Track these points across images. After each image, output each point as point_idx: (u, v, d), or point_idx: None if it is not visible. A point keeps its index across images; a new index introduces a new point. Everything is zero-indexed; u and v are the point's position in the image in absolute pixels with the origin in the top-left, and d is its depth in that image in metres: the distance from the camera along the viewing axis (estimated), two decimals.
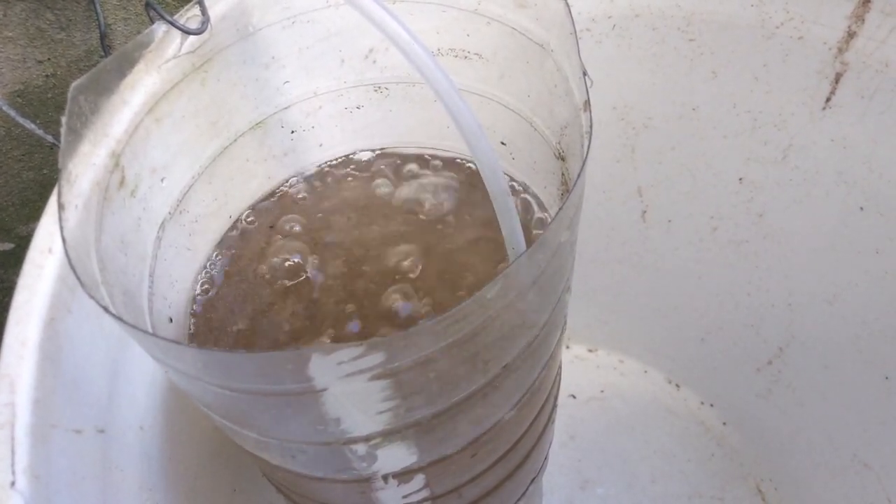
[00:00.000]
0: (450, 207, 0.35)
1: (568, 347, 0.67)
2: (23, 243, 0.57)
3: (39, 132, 0.33)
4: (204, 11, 0.29)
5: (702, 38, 0.43)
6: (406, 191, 0.37)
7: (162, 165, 0.30)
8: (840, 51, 0.41)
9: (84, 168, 0.25)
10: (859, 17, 0.39)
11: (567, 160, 0.30)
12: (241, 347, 0.31)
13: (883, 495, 0.48)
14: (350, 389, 0.21)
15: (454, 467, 0.29)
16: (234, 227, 0.35)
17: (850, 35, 0.40)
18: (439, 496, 0.31)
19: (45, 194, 0.55)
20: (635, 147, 0.50)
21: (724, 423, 0.63)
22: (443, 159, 0.37)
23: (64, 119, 0.24)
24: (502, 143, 0.35)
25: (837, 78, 0.42)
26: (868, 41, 0.40)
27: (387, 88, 0.36)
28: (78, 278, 0.21)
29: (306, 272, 0.34)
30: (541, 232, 0.34)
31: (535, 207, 0.35)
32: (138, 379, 0.33)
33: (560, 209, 0.22)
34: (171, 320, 0.31)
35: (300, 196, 0.37)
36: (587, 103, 0.25)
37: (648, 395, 0.65)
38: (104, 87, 0.27)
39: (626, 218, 0.56)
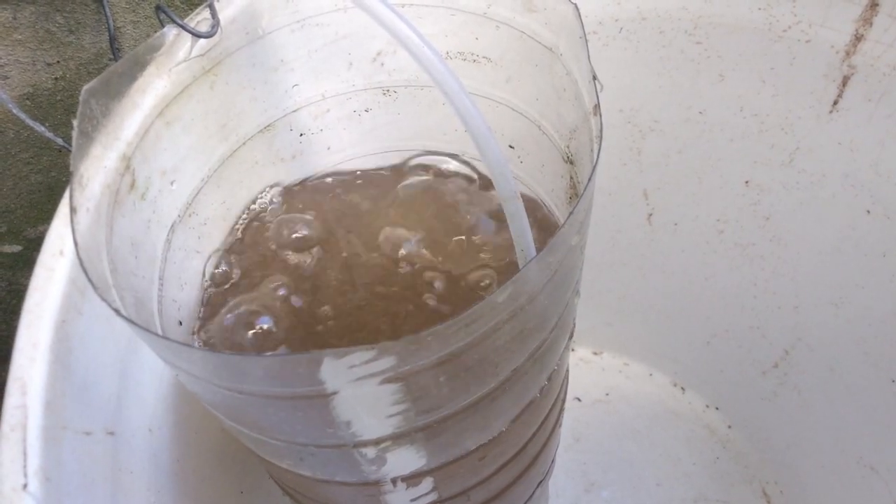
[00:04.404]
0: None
1: (573, 350, 0.67)
2: (31, 245, 0.57)
3: (49, 135, 0.33)
4: (214, 15, 0.29)
5: (709, 41, 0.43)
6: (412, 191, 0.37)
7: (172, 168, 0.30)
8: (847, 54, 0.41)
9: (95, 171, 0.25)
10: (867, 21, 0.39)
11: (576, 164, 0.30)
12: (248, 350, 0.32)
13: (889, 499, 0.48)
14: (361, 393, 0.21)
15: (463, 470, 0.29)
16: (240, 229, 0.35)
17: (858, 38, 0.40)
18: (447, 499, 0.31)
19: (54, 197, 0.55)
20: (642, 150, 0.50)
21: (730, 426, 0.63)
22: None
23: (75, 122, 0.24)
24: (511, 147, 0.35)
25: (845, 81, 0.42)
26: (875, 44, 0.39)
27: (395, 91, 0.36)
28: (90, 281, 0.21)
29: (312, 276, 0.34)
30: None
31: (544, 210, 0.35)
32: (147, 381, 0.33)
33: (571, 213, 0.22)
34: (180, 323, 0.31)
35: (306, 199, 0.37)
36: (597, 107, 0.25)
37: (654, 398, 0.65)
38: (115, 90, 0.27)
39: (632, 220, 0.56)
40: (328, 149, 0.37)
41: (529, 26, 0.30)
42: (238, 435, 0.27)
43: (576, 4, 0.27)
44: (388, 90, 0.36)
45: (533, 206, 0.35)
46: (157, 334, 0.20)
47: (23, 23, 0.44)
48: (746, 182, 0.49)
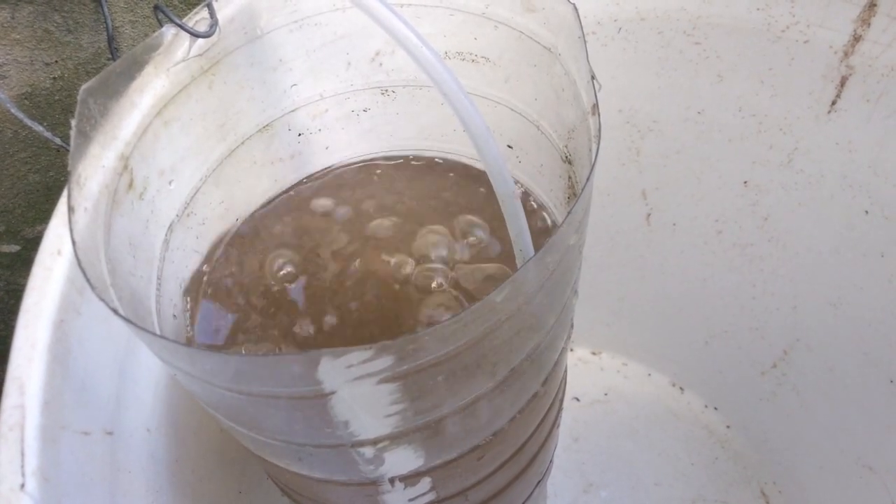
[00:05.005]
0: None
1: (572, 350, 0.67)
2: (29, 245, 0.57)
3: (47, 135, 0.33)
4: (212, 14, 0.29)
5: (707, 41, 0.43)
6: (411, 193, 0.37)
7: (170, 168, 0.30)
8: (846, 54, 0.41)
9: (93, 171, 0.25)
10: (865, 21, 0.39)
11: (574, 163, 0.30)
12: (244, 351, 0.32)
13: (888, 499, 0.48)
14: (358, 392, 0.21)
15: (461, 470, 0.29)
16: (240, 229, 0.35)
17: (856, 39, 0.40)
18: (445, 499, 0.31)
19: (52, 197, 0.55)
20: (640, 150, 0.50)
21: (728, 427, 0.63)
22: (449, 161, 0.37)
23: (73, 122, 0.24)
24: (509, 147, 0.35)
25: (843, 81, 0.42)
26: (874, 45, 0.40)
27: (394, 91, 0.36)
28: (88, 280, 0.21)
29: (309, 275, 0.34)
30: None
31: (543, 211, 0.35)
32: (145, 381, 0.33)
33: (569, 213, 0.22)
34: (174, 317, 0.31)
35: (304, 199, 0.37)
36: (595, 107, 0.25)
37: (652, 398, 0.65)
38: (113, 89, 0.27)
39: (630, 221, 0.56)
40: (326, 149, 0.37)
41: (528, 26, 0.30)
42: (236, 434, 0.27)
43: (574, 5, 0.27)
44: (386, 90, 0.36)
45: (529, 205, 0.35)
46: (154, 334, 0.20)
47: (21, 22, 0.44)
48: (745, 182, 0.49)
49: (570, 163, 0.31)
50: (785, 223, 0.50)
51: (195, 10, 0.29)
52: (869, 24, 0.39)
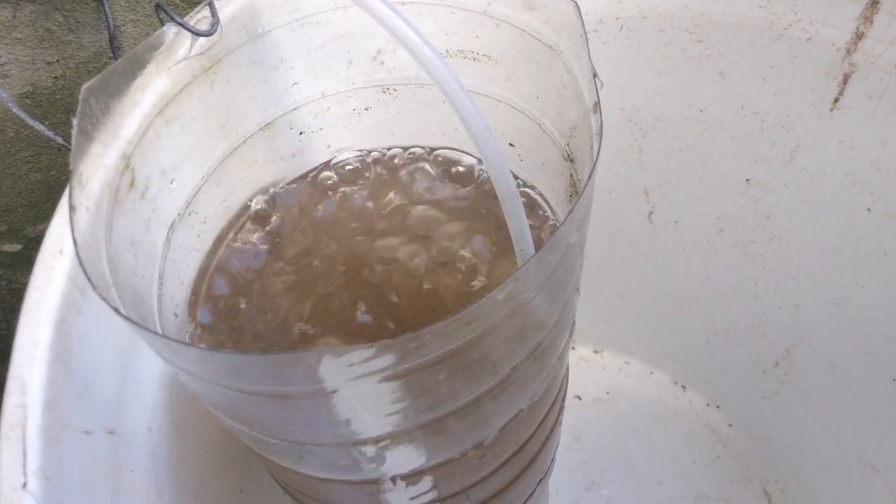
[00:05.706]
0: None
1: (573, 348, 0.67)
2: (31, 245, 0.57)
3: (48, 134, 0.33)
4: (214, 13, 0.29)
5: (710, 39, 0.43)
6: (410, 191, 0.37)
7: (171, 167, 0.30)
8: (848, 52, 0.40)
9: (95, 170, 0.25)
10: (867, 19, 0.39)
11: (576, 162, 0.30)
12: (248, 349, 0.32)
13: (890, 498, 0.48)
14: (360, 391, 0.21)
15: (462, 469, 0.29)
16: (241, 227, 0.35)
17: (859, 36, 0.40)
18: (447, 498, 0.31)
19: (53, 196, 0.55)
20: (642, 148, 0.50)
21: (730, 425, 0.63)
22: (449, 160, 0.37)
23: (75, 121, 0.24)
24: (511, 145, 0.35)
25: (845, 79, 0.42)
26: (876, 42, 0.39)
27: (395, 90, 0.36)
28: (89, 280, 0.21)
29: (311, 274, 0.34)
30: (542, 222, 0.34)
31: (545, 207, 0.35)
32: (147, 380, 0.33)
33: (570, 211, 0.22)
34: (176, 315, 0.31)
35: (306, 197, 0.37)
36: (597, 105, 0.25)
37: (654, 397, 0.65)
38: (115, 88, 0.27)
39: (632, 219, 0.55)
40: (328, 147, 0.37)
41: (530, 24, 0.30)
42: (238, 434, 0.27)
43: (576, 2, 0.27)
44: (387, 88, 0.36)
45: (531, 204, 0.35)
46: (156, 333, 0.20)
47: (22, 21, 0.44)
48: (747, 180, 0.49)
49: (571, 161, 0.31)
50: (787, 221, 0.50)
51: (196, 9, 0.29)
52: (871, 22, 0.39)
